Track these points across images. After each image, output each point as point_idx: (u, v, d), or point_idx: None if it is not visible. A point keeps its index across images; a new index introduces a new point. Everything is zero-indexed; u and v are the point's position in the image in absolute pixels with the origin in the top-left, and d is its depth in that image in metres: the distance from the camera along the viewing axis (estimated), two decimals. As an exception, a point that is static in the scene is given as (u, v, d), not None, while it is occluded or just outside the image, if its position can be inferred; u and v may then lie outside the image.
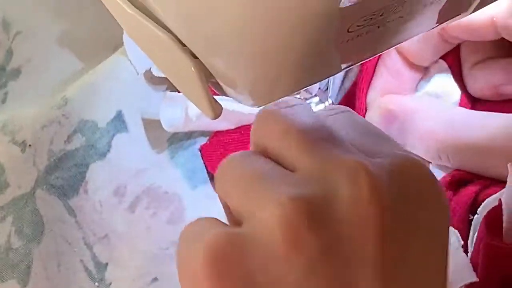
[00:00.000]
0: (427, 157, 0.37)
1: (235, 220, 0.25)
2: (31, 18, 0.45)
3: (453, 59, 0.40)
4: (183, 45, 0.26)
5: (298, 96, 0.40)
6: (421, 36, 0.35)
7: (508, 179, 0.31)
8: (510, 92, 0.37)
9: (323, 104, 0.42)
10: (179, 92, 0.40)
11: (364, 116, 0.41)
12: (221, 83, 0.28)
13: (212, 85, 0.28)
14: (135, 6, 0.27)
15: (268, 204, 0.23)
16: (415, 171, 0.25)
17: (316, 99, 0.43)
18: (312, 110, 0.29)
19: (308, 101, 0.42)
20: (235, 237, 0.23)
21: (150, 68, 0.42)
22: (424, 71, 0.41)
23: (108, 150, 0.40)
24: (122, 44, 0.42)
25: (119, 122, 0.41)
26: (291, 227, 0.22)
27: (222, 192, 0.27)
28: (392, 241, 0.23)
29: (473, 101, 0.39)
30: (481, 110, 0.38)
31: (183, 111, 0.40)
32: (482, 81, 0.38)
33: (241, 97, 0.28)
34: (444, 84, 0.40)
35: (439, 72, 0.40)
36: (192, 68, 0.26)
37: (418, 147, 0.37)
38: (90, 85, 0.41)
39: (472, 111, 0.38)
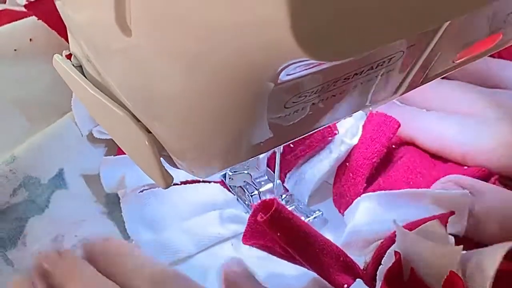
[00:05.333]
0: None
1: None
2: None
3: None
4: (138, 120, 0.28)
5: (245, 172, 0.42)
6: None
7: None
8: None
9: (271, 183, 0.44)
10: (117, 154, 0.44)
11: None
12: (172, 156, 0.29)
13: (164, 158, 0.29)
14: (95, 85, 0.29)
15: None
16: None
17: (264, 178, 0.44)
18: None
19: (257, 180, 0.44)
20: None
21: (92, 130, 0.45)
22: None
23: (47, 206, 0.42)
24: (69, 110, 0.44)
25: (59, 179, 0.43)
26: None
27: None
28: None
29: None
30: None
31: (120, 178, 0.43)
32: None
33: (190, 169, 0.29)
34: None
35: None
36: (146, 142, 0.28)
37: None
38: (37, 145, 0.43)
39: None
